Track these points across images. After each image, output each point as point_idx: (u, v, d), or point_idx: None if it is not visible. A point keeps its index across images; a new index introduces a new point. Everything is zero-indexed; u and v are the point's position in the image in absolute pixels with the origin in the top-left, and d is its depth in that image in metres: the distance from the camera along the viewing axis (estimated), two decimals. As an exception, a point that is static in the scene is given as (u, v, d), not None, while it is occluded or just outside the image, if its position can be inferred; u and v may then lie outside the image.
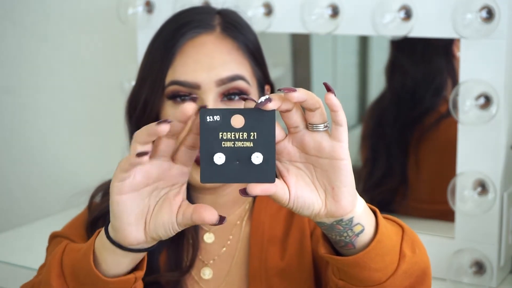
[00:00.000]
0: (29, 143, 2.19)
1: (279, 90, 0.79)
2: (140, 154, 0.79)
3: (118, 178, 0.81)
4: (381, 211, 0.90)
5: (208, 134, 0.78)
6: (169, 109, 1.09)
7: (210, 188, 1.12)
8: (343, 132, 0.81)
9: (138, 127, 1.10)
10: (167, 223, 0.83)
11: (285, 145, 0.83)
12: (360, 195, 0.86)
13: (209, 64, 1.07)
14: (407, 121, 1.70)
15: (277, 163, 0.83)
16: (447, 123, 1.59)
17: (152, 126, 0.78)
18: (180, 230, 0.85)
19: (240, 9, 1.20)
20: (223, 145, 0.79)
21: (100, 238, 0.88)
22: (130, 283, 0.89)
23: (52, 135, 2.16)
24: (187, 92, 1.07)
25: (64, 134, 2.14)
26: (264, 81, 1.16)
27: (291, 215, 1.15)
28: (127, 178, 0.81)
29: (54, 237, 1.13)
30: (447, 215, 1.47)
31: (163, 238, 0.85)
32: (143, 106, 1.11)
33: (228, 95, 1.08)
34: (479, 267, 1.39)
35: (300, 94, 0.78)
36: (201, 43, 1.09)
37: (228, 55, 1.09)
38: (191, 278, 1.13)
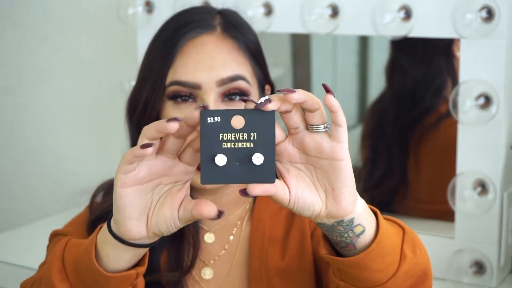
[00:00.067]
0: (29, 143, 2.19)
1: (279, 91, 0.79)
2: (144, 146, 0.79)
3: (122, 170, 0.81)
4: (381, 211, 0.90)
5: (209, 135, 0.78)
6: (170, 109, 1.09)
7: (211, 189, 1.12)
8: (343, 132, 0.81)
9: (139, 127, 1.11)
10: (169, 218, 0.83)
11: (285, 146, 0.83)
12: (360, 195, 0.86)
13: (209, 64, 1.07)
14: (407, 121, 1.70)
15: (278, 164, 0.84)
16: (447, 123, 1.59)
17: (161, 123, 0.78)
18: (181, 226, 0.85)
19: (240, 9, 1.20)
20: (223, 146, 0.79)
21: (102, 233, 0.88)
22: (131, 278, 0.89)
23: (52, 135, 2.16)
24: (188, 92, 1.08)
25: (64, 134, 2.14)
26: (265, 81, 1.16)
27: (291, 216, 1.15)
28: (131, 171, 0.81)
29: (55, 236, 1.13)
30: (447, 215, 1.47)
31: (165, 234, 0.85)
32: (144, 106, 1.11)
33: (228, 95, 1.08)
34: (479, 267, 1.39)
35: (299, 95, 0.78)
36: (202, 43, 1.09)
37: (228, 55, 1.09)
38: (192, 278, 1.13)
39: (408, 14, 1.39)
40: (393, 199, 1.71)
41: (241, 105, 1.07)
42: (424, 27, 1.39)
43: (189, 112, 0.80)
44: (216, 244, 1.15)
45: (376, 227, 0.86)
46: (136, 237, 0.85)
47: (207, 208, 0.81)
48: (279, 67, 1.88)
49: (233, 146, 0.79)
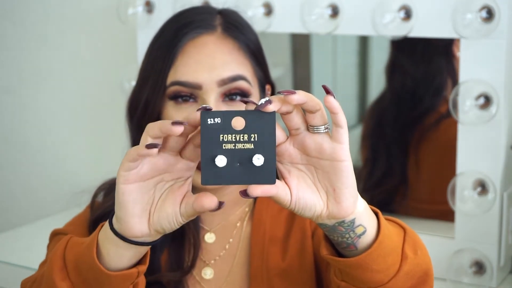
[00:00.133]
0: (29, 143, 2.19)
1: (279, 92, 0.79)
2: (150, 146, 0.79)
3: (125, 167, 0.81)
4: (381, 211, 0.90)
5: (209, 136, 0.78)
6: (171, 109, 1.09)
7: (212, 189, 1.12)
8: (344, 133, 0.81)
9: (139, 127, 1.11)
10: (171, 214, 0.83)
11: (286, 147, 0.83)
12: (360, 195, 0.86)
13: (210, 64, 1.07)
14: (407, 121, 1.70)
15: (279, 165, 0.84)
16: (447, 123, 1.59)
17: (166, 125, 0.78)
18: (183, 223, 0.84)
19: (240, 9, 1.20)
20: (224, 147, 0.79)
21: (104, 231, 0.88)
22: (132, 277, 0.89)
23: (52, 135, 2.16)
24: (189, 92, 1.08)
25: (64, 134, 2.14)
26: (265, 81, 1.16)
27: (292, 216, 1.15)
28: (133, 168, 0.81)
29: (56, 235, 1.13)
30: (447, 215, 1.47)
31: (167, 231, 0.85)
32: (144, 106, 1.11)
33: (229, 95, 1.08)
34: (479, 267, 1.39)
35: (299, 96, 0.78)
36: (203, 43, 1.10)
37: (229, 55, 1.09)
38: (192, 278, 1.13)
39: (408, 14, 1.39)
40: (393, 199, 1.71)
41: (241, 106, 1.07)
42: (424, 27, 1.39)
43: (192, 112, 0.79)
44: (216, 244, 1.15)
45: (377, 227, 0.87)
46: (138, 235, 0.85)
47: (208, 200, 0.81)
48: (279, 67, 1.88)
49: (233, 147, 0.79)
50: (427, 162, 1.69)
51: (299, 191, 0.82)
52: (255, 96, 1.11)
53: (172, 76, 1.09)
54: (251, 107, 0.79)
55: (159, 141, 0.80)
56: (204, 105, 0.80)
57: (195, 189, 1.11)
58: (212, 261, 1.14)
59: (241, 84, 1.08)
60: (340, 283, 0.90)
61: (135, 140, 1.14)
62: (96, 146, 2.09)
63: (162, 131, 0.79)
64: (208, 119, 0.78)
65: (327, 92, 0.80)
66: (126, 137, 1.17)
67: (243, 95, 1.08)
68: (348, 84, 2.00)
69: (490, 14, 1.31)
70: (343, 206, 0.82)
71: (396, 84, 1.72)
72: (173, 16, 1.15)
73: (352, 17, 1.45)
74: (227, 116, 0.78)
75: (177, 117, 1.07)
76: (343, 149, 0.81)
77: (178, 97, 1.08)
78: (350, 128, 1.88)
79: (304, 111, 0.81)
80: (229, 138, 0.79)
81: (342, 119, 0.80)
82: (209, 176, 0.79)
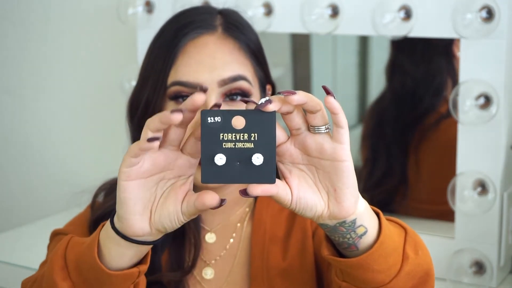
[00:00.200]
0: (29, 143, 2.19)
1: (279, 93, 0.79)
2: (151, 139, 0.79)
3: (127, 163, 0.81)
4: (381, 211, 0.90)
5: (209, 135, 0.79)
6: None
7: (213, 188, 1.12)
8: (344, 134, 0.81)
9: (140, 128, 1.11)
10: (172, 213, 0.83)
11: (287, 147, 0.83)
12: (360, 195, 0.86)
13: (211, 64, 1.07)
14: (407, 121, 1.70)
15: (280, 165, 0.84)
16: (447, 123, 1.59)
17: (165, 114, 0.78)
18: (185, 221, 0.84)
19: (240, 9, 1.20)
20: (224, 146, 0.79)
21: (105, 230, 0.88)
22: (133, 277, 0.89)
23: (52, 135, 2.16)
24: (189, 92, 1.08)
25: (64, 134, 2.14)
26: (266, 81, 1.16)
27: (292, 216, 1.15)
28: (135, 164, 0.81)
29: (56, 235, 1.13)
30: (447, 215, 1.47)
31: (168, 230, 0.85)
32: (145, 106, 1.11)
33: (230, 95, 1.08)
34: (479, 267, 1.39)
35: (299, 97, 0.78)
36: (203, 43, 1.10)
37: (229, 55, 1.09)
38: (193, 278, 1.13)
39: (408, 14, 1.39)
40: (393, 199, 1.71)
41: (242, 106, 1.07)
42: (424, 27, 1.39)
43: (189, 99, 0.79)
44: (217, 244, 1.15)
45: (378, 228, 0.87)
46: (139, 233, 0.84)
47: (209, 197, 0.81)
48: (279, 67, 1.88)
49: (233, 146, 0.79)
50: (427, 162, 1.69)
51: (300, 191, 0.82)
52: (255, 96, 1.11)
53: (172, 76, 1.09)
54: (252, 106, 0.79)
55: (160, 134, 0.80)
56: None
57: (196, 188, 1.12)
58: (213, 261, 1.14)
59: (242, 84, 1.08)
60: (341, 283, 0.90)
61: (135, 140, 1.14)
62: (96, 146, 2.09)
63: (162, 122, 0.79)
64: (208, 118, 0.78)
65: (327, 92, 0.80)
66: (126, 137, 1.17)
67: (244, 95, 1.08)
68: (348, 84, 2.00)
69: (490, 14, 1.31)
70: (344, 206, 0.82)
71: (396, 84, 1.72)
72: (174, 16, 1.15)
73: (352, 17, 1.45)
74: (228, 115, 0.79)
75: None
76: (344, 149, 0.81)
77: (178, 97, 1.08)
78: (350, 128, 1.87)
79: (305, 111, 0.81)
80: (229, 137, 0.79)
81: (343, 119, 0.80)
82: (209, 175, 0.79)
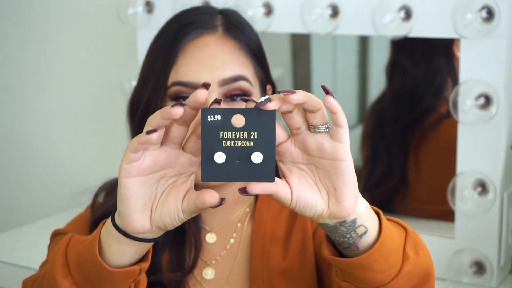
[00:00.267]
0: (29, 143, 2.19)
1: (279, 92, 0.79)
2: (149, 132, 0.79)
3: (127, 158, 0.81)
4: (381, 211, 0.90)
5: (209, 133, 0.79)
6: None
7: (212, 187, 1.12)
8: (344, 133, 0.81)
9: (140, 128, 1.11)
10: (173, 210, 0.83)
11: (287, 146, 0.83)
12: (360, 195, 0.86)
13: (211, 64, 1.07)
14: (407, 121, 1.70)
15: (280, 164, 0.84)
16: (447, 123, 1.59)
17: (166, 109, 0.78)
18: (185, 219, 0.84)
19: (240, 9, 1.20)
20: (223, 144, 0.79)
21: (106, 227, 0.88)
22: (134, 274, 0.89)
23: (52, 135, 2.16)
24: (190, 92, 1.07)
25: (64, 134, 2.14)
26: (266, 81, 1.16)
27: (293, 215, 1.15)
28: (135, 160, 0.81)
29: (56, 235, 1.13)
30: (447, 215, 1.47)
31: (169, 228, 0.85)
32: (145, 107, 1.11)
33: (230, 96, 1.08)
34: (479, 267, 1.39)
35: (299, 96, 0.78)
36: (204, 43, 1.10)
37: (230, 56, 1.09)
38: (193, 278, 1.13)
39: (408, 14, 1.39)
40: (393, 199, 1.71)
41: (242, 105, 1.07)
42: (424, 27, 1.39)
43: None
44: (217, 244, 1.15)
45: (378, 227, 0.87)
46: (140, 230, 0.85)
47: (209, 196, 0.81)
48: (279, 67, 1.88)
49: (233, 145, 0.79)
50: (427, 162, 1.69)
51: (300, 190, 0.82)
52: (256, 96, 1.11)
53: (173, 77, 1.09)
54: (252, 105, 0.80)
55: (160, 129, 0.80)
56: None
57: (197, 187, 1.12)
58: (213, 261, 1.14)
59: (242, 84, 1.08)
60: (342, 283, 0.90)
61: (136, 140, 1.14)
62: (96, 146, 2.09)
63: (163, 118, 0.79)
64: (208, 116, 0.79)
65: (326, 92, 0.80)
66: (127, 137, 1.17)
67: (244, 95, 1.08)
68: (348, 84, 2.00)
69: (490, 14, 1.31)
70: (344, 205, 0.82)
71: (396, 84, 1.72)
72: (174, 16, 1.15)
73: (352, 17, 1.45)
74: (227, 113, 0.79)
75: None
76: (343, 148, 0.81)
77: (179, 97, 1.08)
78: (350, 128, 1.87)
79: (305, 110, 0.81)
80: (229, 135, 0.79)
81: (342, 118, 0.80)
82: (209, 173, 0.79)
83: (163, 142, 0.83)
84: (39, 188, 2.19)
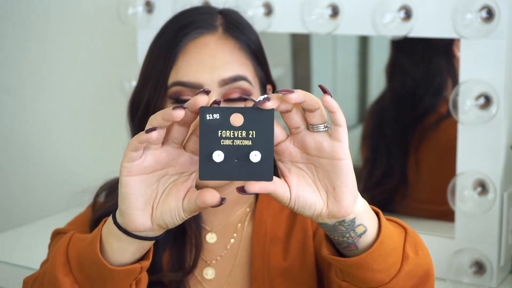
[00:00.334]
0: (29, 143, 2.19)
1: (277, 91, 0.79)
2: (149, 130, 0.79)
3: (128, 157, 0.82)
4: (381, 211, 0.90)
5: (208, 132, 0.79)
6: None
7: (213, 187, 1.12)
8: (343, 132, 0.81)
9: (141, 128, 1.11)
10: (174, 209, 0.83)
11: (286, 145, 0.83)
12: (360, 195, 0.86)
13: (211, 64, 1.08)
14: (407, 121, 1.70)
15: (279, 163, 0.84)
16: (447, 123, 1.59)
17: (167, 111, 0.79)
18: (186, 218, 0.84)
19: (240, 9, 1.20)
20: (222, 143, 0.79)
21: (107, 226, 0.88)
22: (135, 272, 0.89)
23: (52, 135, 2.16)
24: (190, 92, 1.08)
25: (64, 134, 2.14)
26: (266, 81, 1.16)
27: (293, 216, 1.15)
28: (136, 159, 0.82)
29: (57, 234, 1.13)
30: (447, 215, 1.47)
31: (170, 226, 0.85)
32: (146, 107, 1.11)
33: (230, 99, 1.08)
34: (479, 267, 1.39)
35: (297, 95, 0.79)
36: (204, 43, 1.10)
37: (230, 56, 1.10)
38: (194, 278, 1.13)
39: (408, 14, 1.39)
40: (393, 199, 1.71)
41: (240, 104, 1.07)
42: (424, 27, 1.39)
43: (193, 97, 0.79)
44: (218, 244, 1.15)
45: (378, 227, 0.87)
46: (141, 228, 0.85)
47: (210, 196, 0.81)
48: (279, 67, 1.88)
49: (231, 143, 0.79)
50: (427, 162, 1.69)
51: (299, 190, 0.82)
52: (256, 96, 1.11)
53: (173, 77, 1.09)
54: (250, 104, 0.80)
55: (160, 128, 0.80)
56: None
57: (198, 187, 1.12)
58: (214, 261, 1.15)
59: (242, 84, 1.08)
60: (342, 283, 0.90)
61: (136, 140, 1.14)
62: (96, 146, 2.09)
63: (164, 118, 0.79)
64: (207, 115, 0.79)
65: (324, 91, 0.80)
66: (127, 137, 1.17)
67: (244, 95, 1.09)
68: (348, 84, 2.00)
69: (490, 14, 1.31)
70: (343, 204, 0.82)
71: (396, 84, 1.72)
72: (174, 16, 1.15)
73: (352, 17, 1.45)
74: (226, 112, 0.79)
75: None
76: (342, 147, 0.81)
77: (179, 97, 1.08)
78: (350, 128, 1.88)
79: (304, 110, 0.81)
80: (227, 134, 0.79)
81: (341, 117, 0.80)
82: (207, 171, 0.79)
83: (164, 141, 0.83)
84: (39, 188, 2.19)
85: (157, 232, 0.86)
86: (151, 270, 1.08)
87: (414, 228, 0.93)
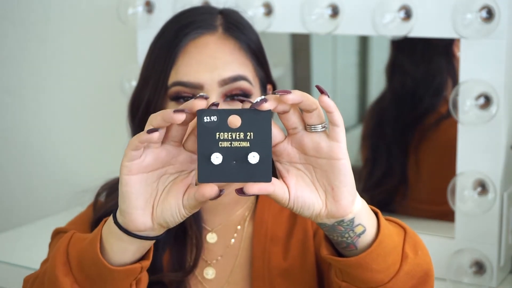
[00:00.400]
0: (29, 143, 2.19)
1: (275, 92, 0.79)
2: (150, 131, 0.79)
3: (128, 156, 0.82)
4: (381, 211, 0.90)
5: (206, 134, 0.79)
6: (173, 110, 1.09)
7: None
8: (340, 132, 0.81)
9: (141, 128, 1.11)
10: (174, 207, 0.83)
11: (284, 146, 0.83)
12: (360, 195, 0.86)
13: (211, 64, 1.08)
14: (407, 121, 1.70)
15: (278, 164, 0.84)
16: (447, 123, 1.59)
17: (168, 113, 0.79)
18: (187, 216, 0.84)
19: (240, 9, 1.20)
20: (220, 145, 0.79)
21: (108, 225, 0.88)
22: (136, 272, 0.89)
23: (53, 135, 2.16)
24: (190, 92, 1.08)
25: (64, 134, 2.14)
26: (267, 81, 1.16)
27: (294, 216, 1.15)
28: (136, 158, 0.82)
29: (57, 233, 1.13)
30: (447, 215, 1.47)
31: (170, 225, 0.85)
32: (146, 107, 1.11)
33: (230, 96, 1.08)
34: (479, 267, 1.39)
35: (294, 96, 0.79)
36: (204, 43, 1.10)
37: (230, 56, 1.10)
38: (194, 278, 1.13)
39: (408, 14, 1.39)
40: (393, 199, 1.71)
41: (238, 105, 1.07)
42: (424, 27, 1.39)
43: (191, 101, 0.80)
44: (218, 244, 1.15)
45: (377, 227, 0.87)
46: (141, 228, 0.85)
47: (208, 189, 0.81)
48: (279, 67, 1.88)
49: (229, 145, 0.79)
50: (427, 162, 1.69)
51: (298, 190, 0.82)
52: (256, 96, 1.11)
53: (173, 77, 1.09)
54: (248, 105, 0.80)
55: (161, 129, 0.80)
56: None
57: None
58: (214, 261, 1.15)
59: (242, 84, 1.08)
60: (341, 283, 0.90)
61: (136, 139, 1.14)
62: (96, 146, 2.09)
63: (164, 120, 0.79)
64: (205, 117, 0.79)
65: (321, 92, 0.80)
66: (127, 137, 1.17)
67: (245, 95, 1.09)
68: (348, 84, 2.00)
69: (490, 14, 1.31)
70: (342, 204, 0.82)
71: (396, 84, 1.72)
72: (174, 16, 1.15)
73: (352, 17, 1.45)
74: (223, 114, 0.79)
75: None
76: (340, 147, 0.81)
77: (179, 98, 1.08)
78: (350, 128, 1.88)
79: (301, 110, 0.81)
80: (225, 136, 0.79)
81: (338, 117, 0.80)
82: (206, 174, 0.79)
83: (163, 140, 0.83)
84: (39, 188, 2.19)
85: (158, 232, 0.86)
86: (151, 270, 1.08)
87: (414, 228, 0.93)
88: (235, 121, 0.79)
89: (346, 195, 0.82)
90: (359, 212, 0.84)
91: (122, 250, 0.87)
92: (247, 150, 0.79)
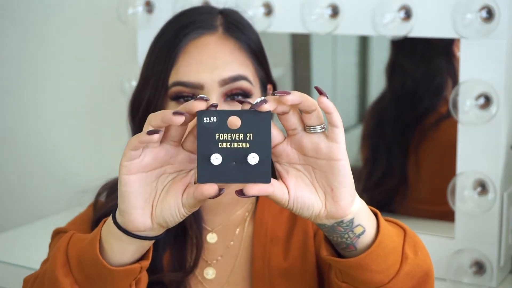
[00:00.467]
0: (30, 143, 2.19)
1: (274, 93, 0.79)
2: (151, 132, 0.80)
3: (127, 156, 0.82)
4: (381, 211, 0.90)
5: (205, 135, 0.79)
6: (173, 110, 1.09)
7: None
8: (339, 133, 0.81)
9: (141, 128, 1.11)
10: (173, 206, 0.83)
11: (284, 147, 0.83)
12: (360, 195, 0.86)
13: (212, 64, 1.08)
14: (407, 121, 1.70)
15: (277, 165, 0.84)
16: (447, 123, 1.59)
17: (167, 114, 0.79)
18: (186, 215, 0.84)
19: (240, 9, 1.20)
20: (219, 146, 0.79)
21: (107, 225, 0.88)
22: (135, 272, 0.89)
23: (53, 135, 2.16)
24: (191, 92, 1.08)
25: (64, 134, 2.14)
26: (267, 81, 1.16)
27: (294, 216, 1.15)
28: (135, 158, 0.82)
29: (57, 233, 1.13)
30: (447, 215, 1.47)
31: (170, 225, 0.85)
32: (146, 107, 1.11)
33: (231, 95, 1.08)
34: (479, 267, 1.39)
35: (294, 97, 0.79)
36: (204, 43, 1.10)
37: (230, 55, 1.10)
38: (195, 278, 1.13)
39: (408, 14, 1.39)
40: (393, 199, 1.71)
41: (238, 106, 1.07)
42: (424, 27, 1.39)
43: (190, 102, 0.80)
44: (218, 244, 1.15)
45: (376, 228, 0.87)
46: (141, 228, 0.85)
47: (207, 187, 0.80)
48: (279, 67, 1.88)
49: (229, 146, 0.79)
50: (427, 162, 1.69)
51: (297, 191, 0.82)
52: (256, 96, 1.11)
53: (173, 77, 1.09)
54: (247, 107, 0.80)
55: (161, 130, 0.80)
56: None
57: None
58: (214, 261, 1.15)
59: (243, 84, 1.08)
60: (341, 284, 0.90)
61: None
62: (96, 146, 2.09)
63: (163, 121, 0.79)
64: (204, 118, 0.79)
65: (320, 93, 0.80)
66: (127, 137, 1.17)
67: (245, 95, 1.09)
68: (348, 84, 2.00)
69: (490, 14, 1.31)
70: (341, 205, 0.82)
71: (396, 84, 1.72)
72: (174, 17, 1.15)
73: (352, 17, 1.45)
74: (223, 115, 0.79)
75: None
76: (339, 148, 0.81)
77: (180, 98, 1.08)
78: (350, 128, 1.88)
79: (301, 111, 0.81)
80: (225, 137, 0.79)
81: (337, 118, 0.80)
82: (205, 174, 0.79)
83: (162, 140, 0.83)
84: (39, 188, 2.19)
85: (157, 232, 0.86)
86: (151, 270, 1.08)
87: (414, 228, 0.93)
88: (234, 122, 0.79)
89: (345, 195, 0.82)
90: (359, 213, 0.84)
91: (121, 250, 0.87)
92: (246, 151, 0.79)
